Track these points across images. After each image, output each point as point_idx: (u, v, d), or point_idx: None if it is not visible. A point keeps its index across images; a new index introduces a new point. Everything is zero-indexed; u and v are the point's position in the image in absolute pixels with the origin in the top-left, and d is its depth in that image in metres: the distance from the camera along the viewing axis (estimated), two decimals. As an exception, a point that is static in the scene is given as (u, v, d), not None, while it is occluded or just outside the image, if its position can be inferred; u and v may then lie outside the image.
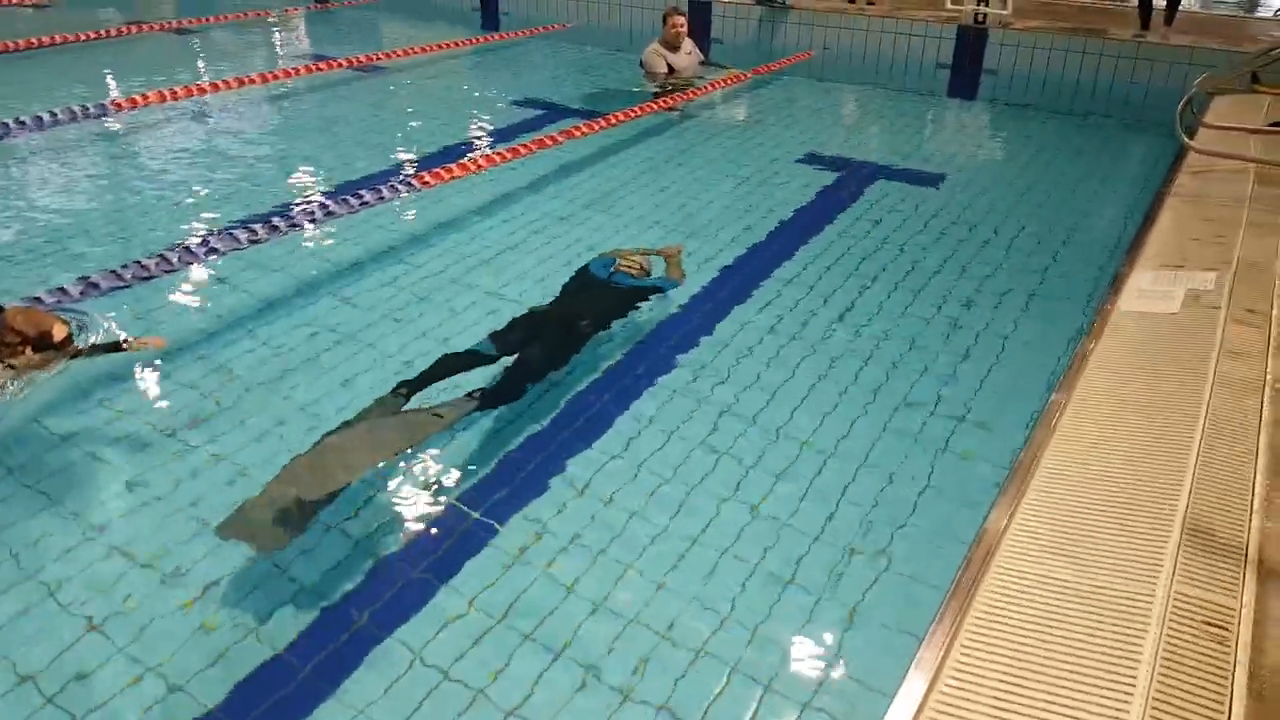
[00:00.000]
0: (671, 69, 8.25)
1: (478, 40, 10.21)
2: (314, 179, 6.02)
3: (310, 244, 4.99)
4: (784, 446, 3.35)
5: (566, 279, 4.42)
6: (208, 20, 10.81)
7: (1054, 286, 4.66)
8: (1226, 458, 2.78)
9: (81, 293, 3.96)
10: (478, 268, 4.77)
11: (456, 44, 9.73)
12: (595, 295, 4.26)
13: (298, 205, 5.29)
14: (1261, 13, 14.60)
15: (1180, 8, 9.02)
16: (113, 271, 4.17)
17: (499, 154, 6.12)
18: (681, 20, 8.28)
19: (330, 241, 5.01)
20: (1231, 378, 3.22)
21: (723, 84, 8.27)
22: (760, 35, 9.96)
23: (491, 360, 3.72)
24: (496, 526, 2.90)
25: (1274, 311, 3.75)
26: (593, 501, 3.04)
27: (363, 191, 5.22)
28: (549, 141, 6.41)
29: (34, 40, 8.83)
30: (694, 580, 2.69)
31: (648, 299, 4.36)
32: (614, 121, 6.98)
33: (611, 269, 4.43)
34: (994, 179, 6.22)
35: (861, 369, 3.89)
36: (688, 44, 8.45)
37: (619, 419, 3.50)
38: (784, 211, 5.59)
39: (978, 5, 8.78)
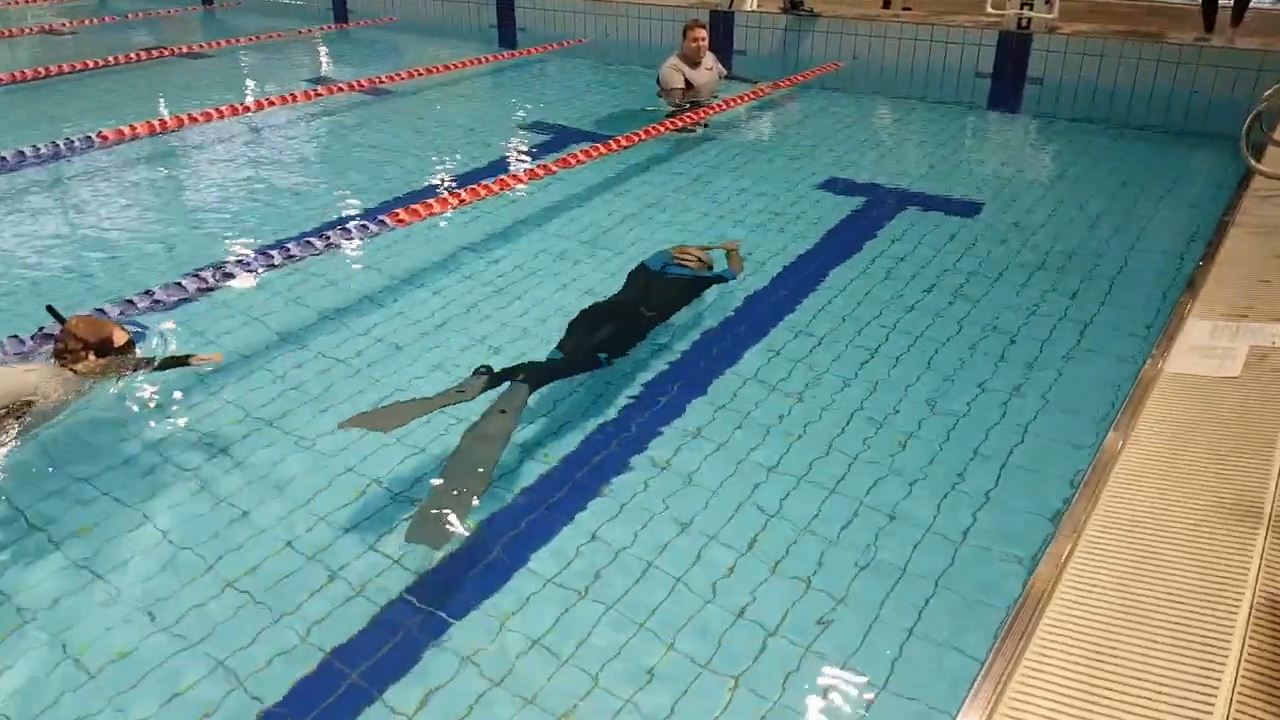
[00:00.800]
0: (690, 85, 7.64)
1: (494, 58, 9.79)
2: (307, 210, 5.66)
3: (303, 278, 4.64)
4: (809, 491, 3.02)
5: (625, 276, 4.37)
6: (228, 43, 10.57)
7: (1100, 338, 3.96)
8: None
9: (148, 306, 4.09)
10: (490, 298, 4.44)
11: (473, 62, 9.30)
12: (655, 288, 4.19)
13: (291, 241, 4.90)
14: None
15: (1251, 5, 8.16)
16: (176, 283, 4.24)
17: (499, 182, 5.66)
18: (703, 33, 7.66)
19: (317, 280, 4.62)
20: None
21: (745, 99, 7.68)
22: (786, 45, 9.33)
23: (561, 368, 3.69)
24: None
25: (1360, 376, 3.06)
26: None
27: (327, 234, 4.82)
28: (554, 167, 5.94)
29: (52, 68, 8.68)
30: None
31: (711, 289, 4.41)
32: (626, 144, 6.47)
33: (666, 262, 4.39)
34: (1036, 206, 5.50)
35: (872, 437, 3.29)
36: (709, 58, 7.84)
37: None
38: (802, 245, 5.03)
39: (1021, 9, 8.04)
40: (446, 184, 6.02)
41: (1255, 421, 2.81)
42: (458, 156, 6.74)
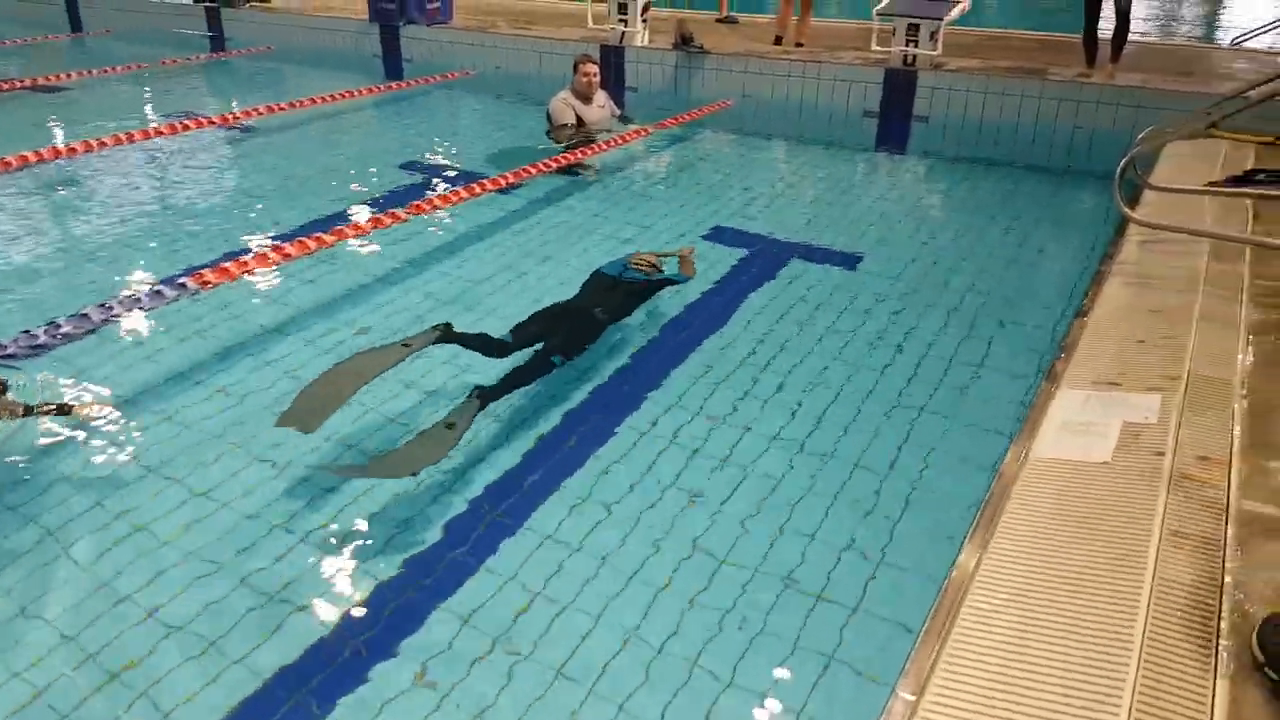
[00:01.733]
0: (581, 121, 7.35)
1: (378, 90, 9.38)
2: (151, 256, 5.30)
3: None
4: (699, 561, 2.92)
5: (582, 281, 4.55)
6: (97, 72, 9.90)
7: (974, 411, 3.78)
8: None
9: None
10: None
11: (354, 94, 8.88)
12: (611, 292, 4.40)
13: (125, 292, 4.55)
14: (1220, 39, 14.02)
15: (1130, 37, 8.24)
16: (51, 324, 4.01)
17: (372, 221, 5.32)
18: (594, 69, 7.39)
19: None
20: (1175, 579, 2.34)
21: (633, 136, 7.42)
22: (678, 82, 9.13)
23: (509, 350, 3.86)
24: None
25: (1235, 457, 2.89)
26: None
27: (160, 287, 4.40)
28: (426, 207, 5.61)
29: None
30: None
31: (663, 292, 4.67)
32: (505, 183, 6.18)
33: (623, 268, 4.60)
34: (919, 256, 5.35)
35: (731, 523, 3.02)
36: (601, 96, 7.57)
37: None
38: (683, 302, 4.79)
39: (906, 46, 7.98)
40: (307, 227, 5.65)
41: (1128, 520, 2.60)
42: (325, 197, 6.38)
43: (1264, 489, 2.72)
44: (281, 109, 8.19)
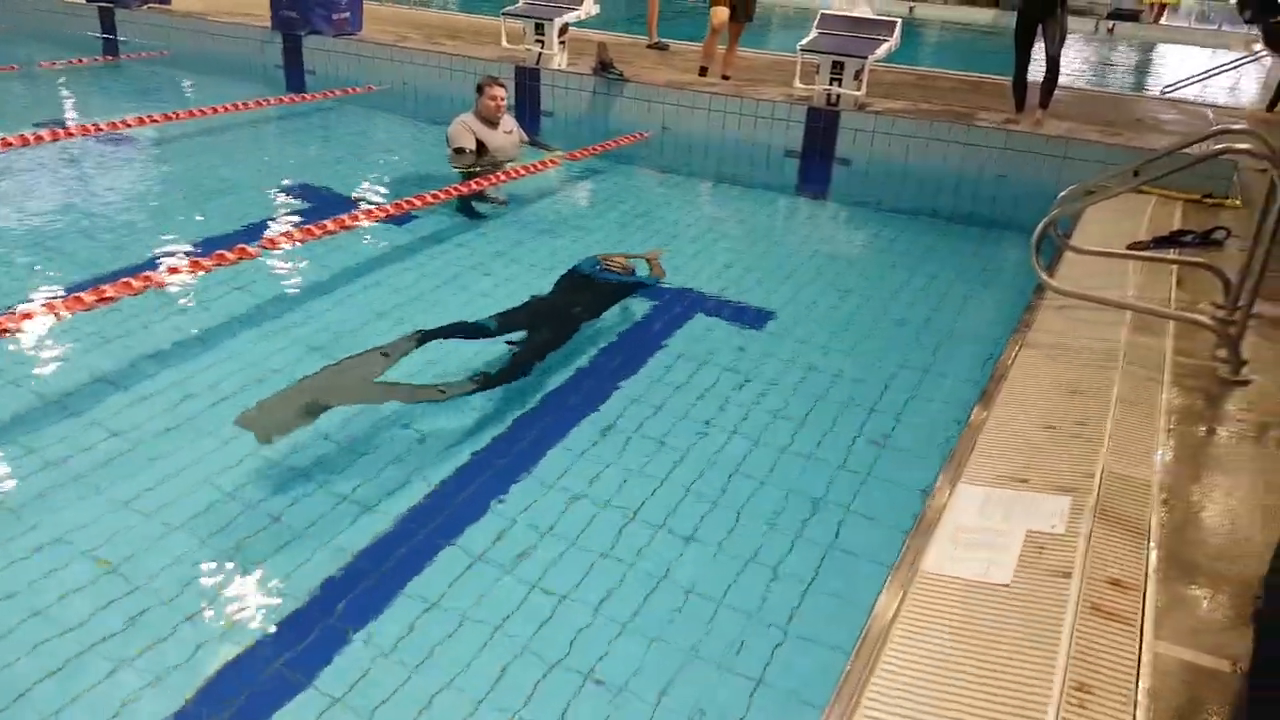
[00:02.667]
0: (483, 148, 6.83)
1: (277, 102, 8.76)
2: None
3: None
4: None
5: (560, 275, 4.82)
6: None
7: (873, 502, 3.37)
8: None
9: None
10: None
11: (250, 106, 8.26)
12: (584, 291, 4.71)
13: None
14: (1150, 88, 14.07)
15: (1062, 82, 8.02)
16: None
17: (237, 251, 4.74)
18: (501, 93, 6.89)
19: None
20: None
21: (543, 165, 6.93)
22: (595, 110, 8.67)
23: (492, 334, 4.10)
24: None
25: (1150, 581, 2.49)
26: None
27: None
28: (299, 237, 5.07)
29: None
30: None
31: (634, 293, 4.89)
32: (394, 212, 5.67)
33: (598, 267, 4.92)
34: (830, 314, 4.96)
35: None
36: (508, 121, 7.06)
37: None
38: (579, 362, 4.31)
39: (830, 85, 7.63)
40: (180, 252, 5.13)
41: (1028, 664, 2.17)
42: (198, 217, 5.82)
43: (1182, 627, 2.32)
44: (169, 119, 7.54)
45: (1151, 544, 2.65)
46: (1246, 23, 2.12)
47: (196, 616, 2.64)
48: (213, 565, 2.84)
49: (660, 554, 3.02)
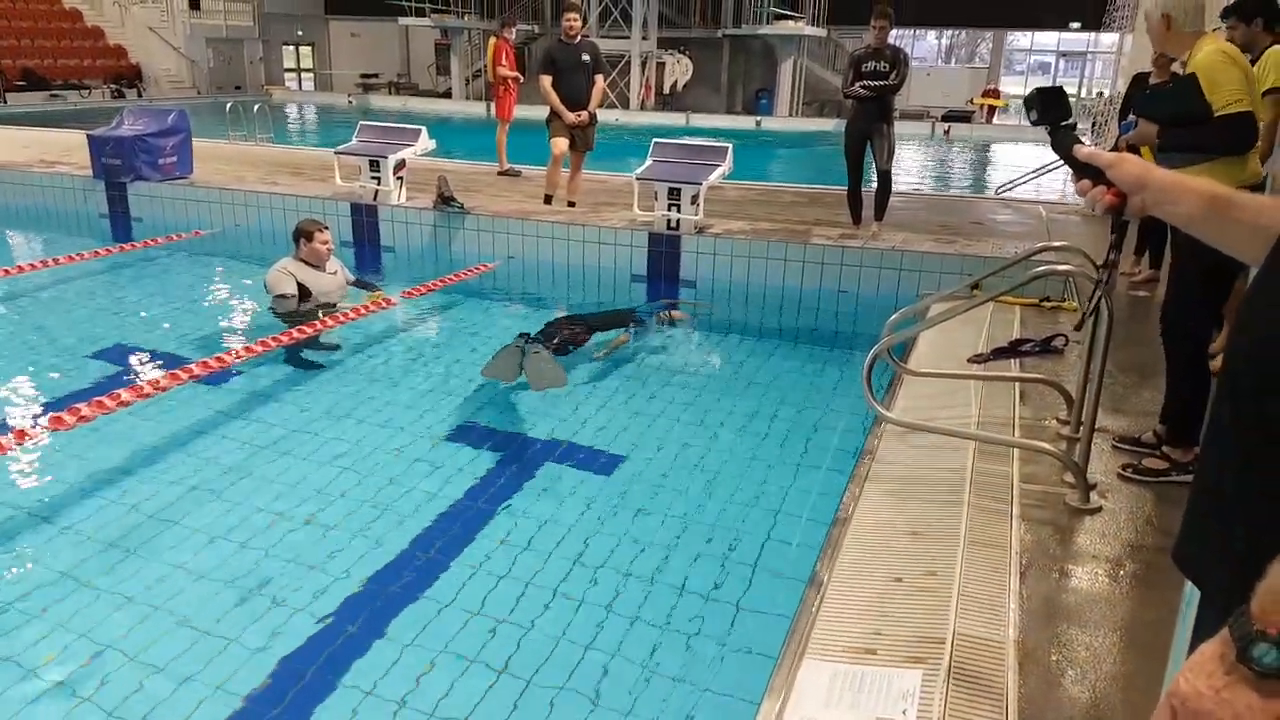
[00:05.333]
0: (307, 292, 6.46)
1: (101, 253, 8.19)
2: None
3: None
4: None
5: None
6: None
7: (729, 677, 3.06)
8: None
9: None
10: None
11: (70, 259, 7.68)
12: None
13: None
14: (986, 189, 14.80)
15: (899, 188, 8.22)
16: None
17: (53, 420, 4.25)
18: (329, 236, 6.59)
19: None
20: None
21: (374, 306, 6.59)
22: (438, 243, 8.45)
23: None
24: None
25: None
26: None
27: None
28: (109, 404, 4.52)
29: None
30: None
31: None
32: (215, 367, 5.22)
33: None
34: (681, 454, 4.71)
35: None
36: (334, 262, 6.75)
37: None
38: (416, 523, 3.96)
39: (668, 210, 7.62)
40: None
41: None
42: (8, 388, 5.34)
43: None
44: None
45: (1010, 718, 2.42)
46: (1033, 124, 2.13)
47: None
48: None
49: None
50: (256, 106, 16.46)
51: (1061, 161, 1.78)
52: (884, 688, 2.58)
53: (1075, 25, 29.33)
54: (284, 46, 36.34)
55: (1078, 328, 5.52)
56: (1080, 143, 1.71)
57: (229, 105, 16.77)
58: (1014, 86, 32.62)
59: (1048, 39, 33.66)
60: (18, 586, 3.43)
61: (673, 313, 6.87)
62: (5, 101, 22.62)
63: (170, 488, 4.19)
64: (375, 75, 35.26)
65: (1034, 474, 3.88)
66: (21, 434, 4.25)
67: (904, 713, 2.46)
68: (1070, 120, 1.86)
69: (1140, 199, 1.52)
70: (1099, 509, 3.58)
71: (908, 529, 3.47)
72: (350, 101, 29.60)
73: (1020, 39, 34.19)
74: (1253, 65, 4.47)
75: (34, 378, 5.53)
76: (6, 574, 3.52)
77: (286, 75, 36.45)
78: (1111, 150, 1.72)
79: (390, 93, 33.03)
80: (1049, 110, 1.92)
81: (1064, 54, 33.62)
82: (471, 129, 20.72)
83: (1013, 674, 2.61)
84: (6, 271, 7.26)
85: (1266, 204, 1.42)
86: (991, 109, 28.01)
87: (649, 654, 3.16)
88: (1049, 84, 3.92)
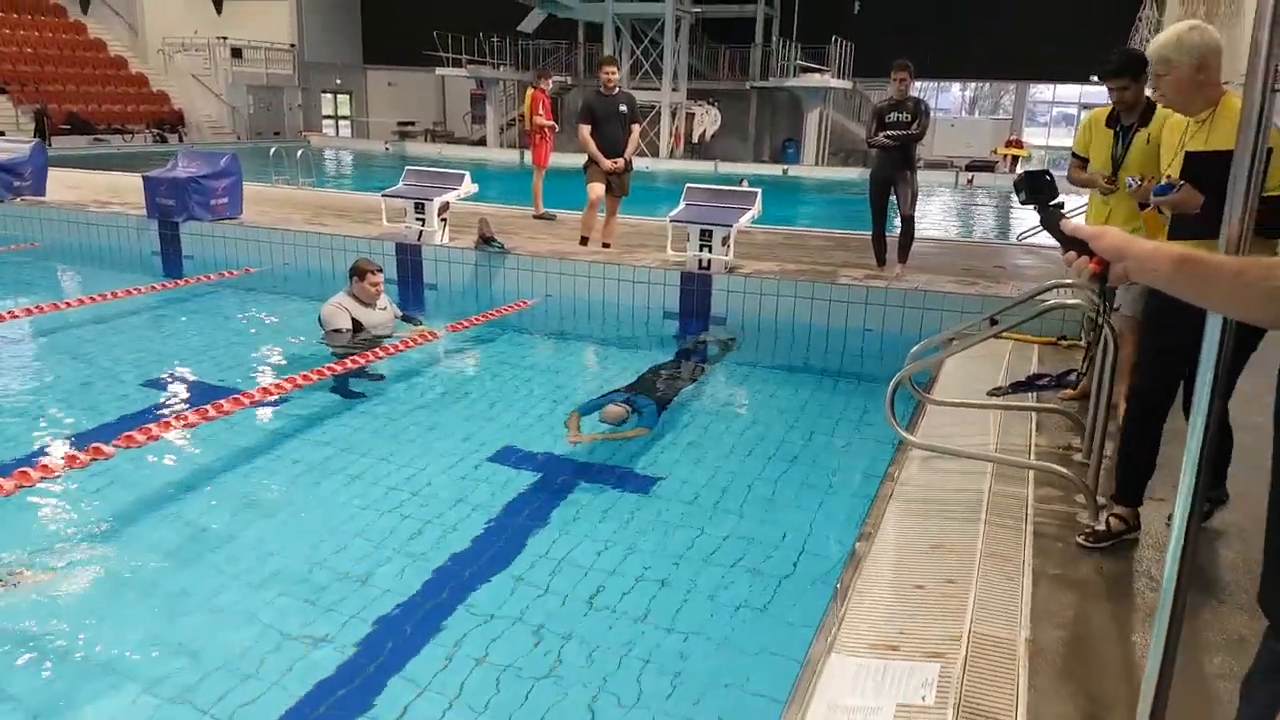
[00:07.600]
0: (359, 326, 6.85)
1: (155, 289, 8.63)
2: None
3: None
4: None
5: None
6: None
7: (758, 680, 3.28)
8: None
9: None
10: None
11: (126, 294, 8.13)
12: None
13: None
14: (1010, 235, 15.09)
15: (922, 232, 8.52)
16: None
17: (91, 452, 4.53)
18: (381, 278, 7.00)
19: None
20: None
21: (419, 339, 6.94)
22: (479, 282, 8.83)
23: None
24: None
25: (1019, 753, 2.46)
26: None
27: None
28: (157, 432, 4.86)
29: None
30: None
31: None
32: (261, 397, 5.56)
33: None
34: (710, 483, 4.95)
35: None
36: (384, 298, 7.15)
37: None
38: (458, 541, 4.20)
39: (700, 251, 7.96)
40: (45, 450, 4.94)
41: None
42: (63, 413, 5.64)
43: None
44: (31, 313, 7.37)
45: (1020, 711, 2.64)
46: (1022, 204, 2.27)
47: None
48: None
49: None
50: (300, 152, 17.09)
51: (1045, 229, 1.96)
52: (905, 678, 2.81)
53: (1095, 80, 29.68)
54: (323, 94, 37.47)
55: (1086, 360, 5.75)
56: (1066, 218, 1.91)
57: (272, 150, 17.42)
58: (1037, 137, 33.07)
59: (1069, 92, 34.15)
60: (96, 591, 3.73)
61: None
62: (50, 145, 23.54)
63: (230, 501, 4.52)
64: (411, 123, 36.25)
65: (1047, 495, 4.11)
66: (98, 450, 4.59)
67: (924, 698, 2.69)
68: (1058, 199, 2.06)
69: (1122, 267, 1.62)
70: (1108, 528, 3.80)
71: (929, 543, 3.71)
72: (387, 148, 30.45)
73: (1043, 91, 34.69)
74: (1134, 124, 4.59)
75: (96, 401, 5.86)
76: (87, 577, 3.82)
77: (324, 122, 37.53)
78: (1140, 207, 1.89)
79: (426, 140, 33.95)
80: (1037, 191, 2.11)
81: (1086, 106, 34.03)
82: (506, 175, 21.32)
83: (1023, 667, 2.83)
84: (56, 306, 7.70)
85: (1244, 263, 1.49)
86: (1015, 159, 28.39)
87: (679, 660, 3.38)
88: (1037, 168, 4.08)
